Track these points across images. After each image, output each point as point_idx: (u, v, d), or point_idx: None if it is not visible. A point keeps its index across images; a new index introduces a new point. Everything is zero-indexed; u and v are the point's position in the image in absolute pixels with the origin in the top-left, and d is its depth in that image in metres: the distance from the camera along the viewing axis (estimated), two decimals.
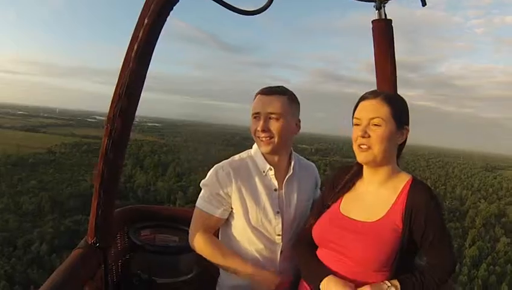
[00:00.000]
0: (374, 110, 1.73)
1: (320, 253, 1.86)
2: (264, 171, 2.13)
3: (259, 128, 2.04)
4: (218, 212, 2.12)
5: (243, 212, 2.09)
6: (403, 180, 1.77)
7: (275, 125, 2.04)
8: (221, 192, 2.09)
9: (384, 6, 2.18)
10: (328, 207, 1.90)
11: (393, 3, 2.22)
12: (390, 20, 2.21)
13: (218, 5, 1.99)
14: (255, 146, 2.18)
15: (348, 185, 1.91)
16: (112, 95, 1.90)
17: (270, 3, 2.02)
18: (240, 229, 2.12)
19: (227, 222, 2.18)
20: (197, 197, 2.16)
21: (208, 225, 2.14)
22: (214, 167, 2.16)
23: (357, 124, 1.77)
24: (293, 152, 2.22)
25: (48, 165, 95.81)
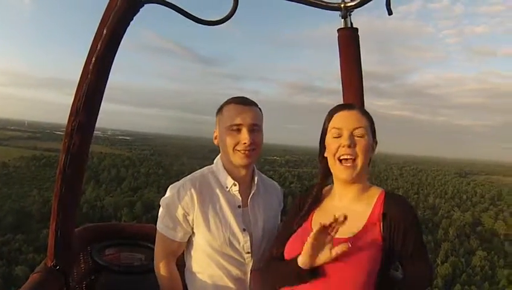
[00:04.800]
0: (357, 121, 1.68)
1: None
2: (227, 187, 2.04)
3: (245, 141, 1.93)
4: (180, 237, 2.02)
5: (208, 231, 1.97)
6: (375, 193, 1.71)
7: (257, 137, 1.98)
8: (182, 213, 1.98)
9: (350, 15, 2.17)
10: (296, 230, 1.77)
11: (362, 14, 2.19)
12: (356, 29, 2.19)
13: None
14: (217, 161, 2.12)
15: (317, 203, 1.82)
16: (70, 109, 1.82)
17: (233, 14, 2.01)
18: (205, 250, 2.00)
19: (190, 242, 2.06)
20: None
21: (170, 250, 2.04)
22: (174, 185, 2.05)
23: (337, 136, 1.69)
24: (255, 169, 2.15)
25: None
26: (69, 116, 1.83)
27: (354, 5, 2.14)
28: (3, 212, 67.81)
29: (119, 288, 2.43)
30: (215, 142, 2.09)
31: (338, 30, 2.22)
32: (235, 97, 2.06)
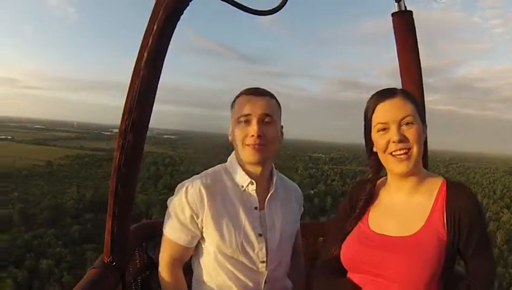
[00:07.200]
0: (402, 109, 1.53)
1: (351, 278, 1.62)
2: (243, 186, 1.87)
3: (253, 134, 1.77)
4: (187, 241, 1.86)
5: (218, 236, 1.79)
6: (436, 183, 1.57)
7: (268, 130, 1.80)
8: (190, 215, 1.82)
9: None
10: (350, 231, 1.67)
11: (407, 5, 2.13)
12: (411, 12, 2.10)
13: (236, 12, 1.95)
14: (231, 158, 1.96)
15: (372, 199, 1.69)
16: (123, 107, 1.82)
17: (284, 4, 1.94)
18: (214, 257, 1.84)
19: (199, 248, 1.91)
20: None
21: (175, 255, 1.89)
22: (182, 183, 1.89)
23: (384, 129, 1.55)
24: (274, 168, 1.99)
25: (41, 177, 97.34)
26: (123, 114, 1.82)
27: None
28: (41, 207, 70.62)
29: None
30: (230, 138, 1.93)
31: (392, 14, 2.13)
32: (247, 88, 1.90)
